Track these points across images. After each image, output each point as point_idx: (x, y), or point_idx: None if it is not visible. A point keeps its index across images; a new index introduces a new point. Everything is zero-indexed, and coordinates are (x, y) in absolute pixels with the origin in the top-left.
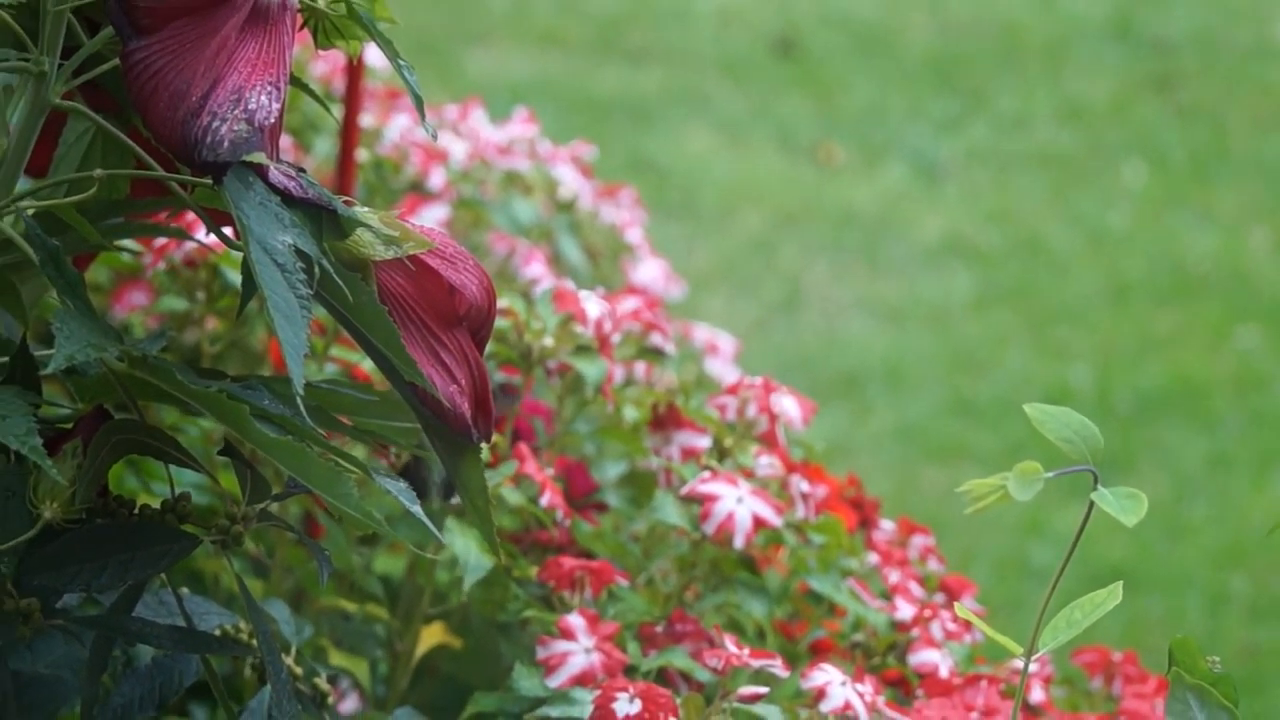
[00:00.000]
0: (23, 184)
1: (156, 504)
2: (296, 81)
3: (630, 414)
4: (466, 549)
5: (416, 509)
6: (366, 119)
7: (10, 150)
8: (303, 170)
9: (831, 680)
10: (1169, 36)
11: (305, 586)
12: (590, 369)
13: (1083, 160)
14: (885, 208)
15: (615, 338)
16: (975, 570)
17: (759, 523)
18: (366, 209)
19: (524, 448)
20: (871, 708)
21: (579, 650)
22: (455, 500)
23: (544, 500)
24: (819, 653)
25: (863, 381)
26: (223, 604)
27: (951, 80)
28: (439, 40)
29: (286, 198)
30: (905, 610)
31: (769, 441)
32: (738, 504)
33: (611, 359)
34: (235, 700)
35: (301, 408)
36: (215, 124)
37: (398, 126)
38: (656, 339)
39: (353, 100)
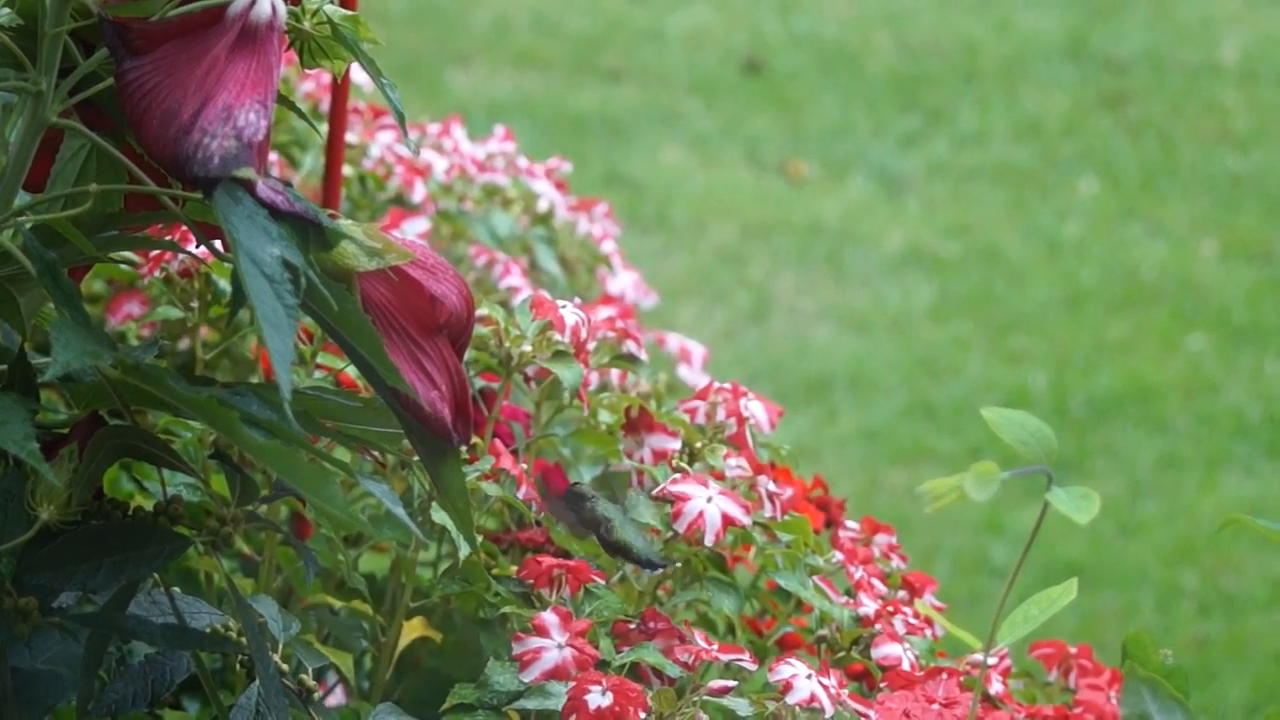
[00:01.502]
0: (21, 198)
1: (150, 506)
2: (284, 100)
3: (605, 418)
4: (456, 531)
5: (399, 510)
6: (352, 136)
7: (9, 166)
8: (289, 184)
9: (798, 673)
10: (1121, 57)
11: (293, 584)
12: (566, 374)
13: (1038, 174)
14: (850, 220)
15: (590, 345)
16: (936, 567)
17: (728, 522)
18: (351, 222)
19: (499, 445)
20: (836, 700)
21: (552, 646)
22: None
23: (521, 493)
24: (786, 647)
25: (828, 387)
26: (214, 603)
27: (913, 98)
28: (423, 61)
29: (274, 211)
30: (869, 606)
31: (738, 444)
32: (708, 504)
33: (587, 365)
34: (228, 695)
35: (289, 413)
36: (205, 140)
37: (381, 143)
38: (630, 346)
39: (338, 118)
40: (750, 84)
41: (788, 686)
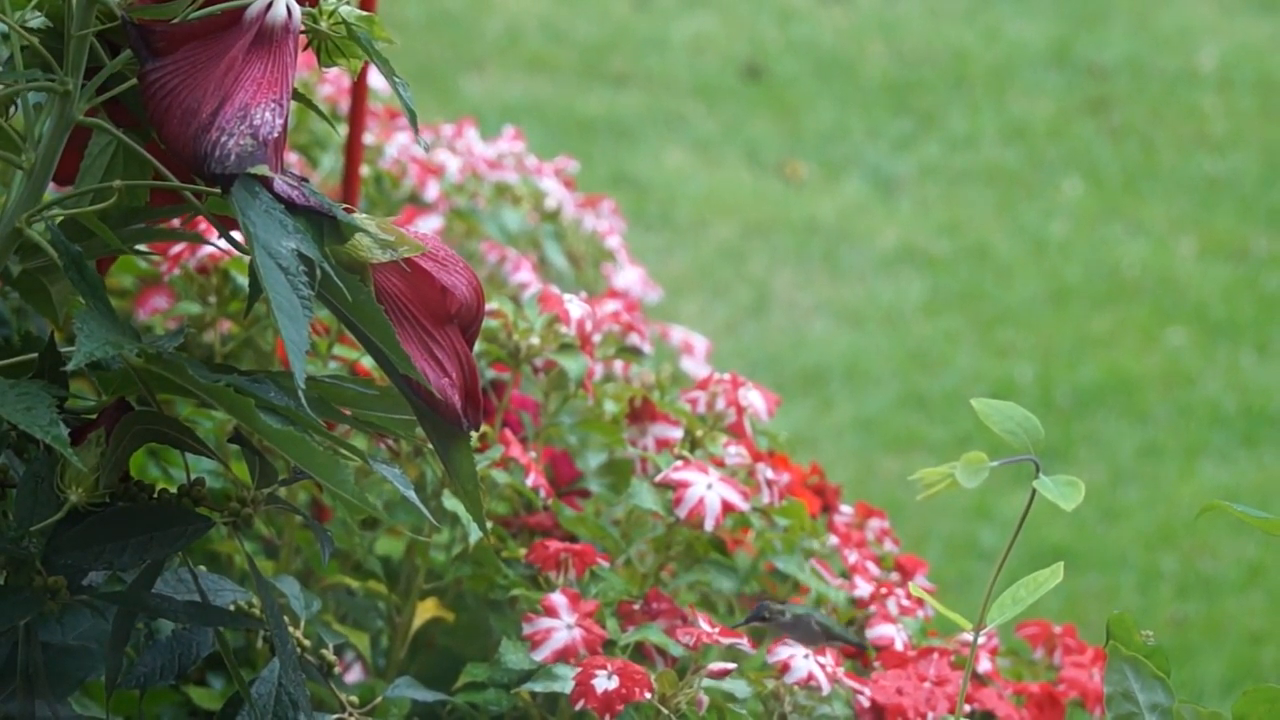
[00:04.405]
0: (50, 194)
1: (174, 489)
2: (305, 101)
3: (610, 407)
4: (467, 516)
5: (412, 495)
6: (369, 137)
7: (38, 163)
8: (305, 180)
9: (795, 653)
10: (1104, 63)
11: (312, 565)
12: (573, 366)
13: (1025, 176)
14: (845, 219)
15: (596, 337)
16: (928, 551)
17: (728, 507)
18: (365, 215)
19: (508, 433)
20: (832, 678)
21: (561, 626)
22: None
23: (529, 480)
24: None
25: (824, 378)
26: (236, 582)
27: (906, 103)
28: (439, 67)
29: (290, 205)
30: (863, 588)
31: (737, 433)
32: (708, 490)
33: (592, 357)
34: (250, 670)
35: (303, 400)
36: (223, 139)
37: (397, 144)
38: (634, 339)
39: (357, 119)
40: (750, 89)
41: (786, 666)
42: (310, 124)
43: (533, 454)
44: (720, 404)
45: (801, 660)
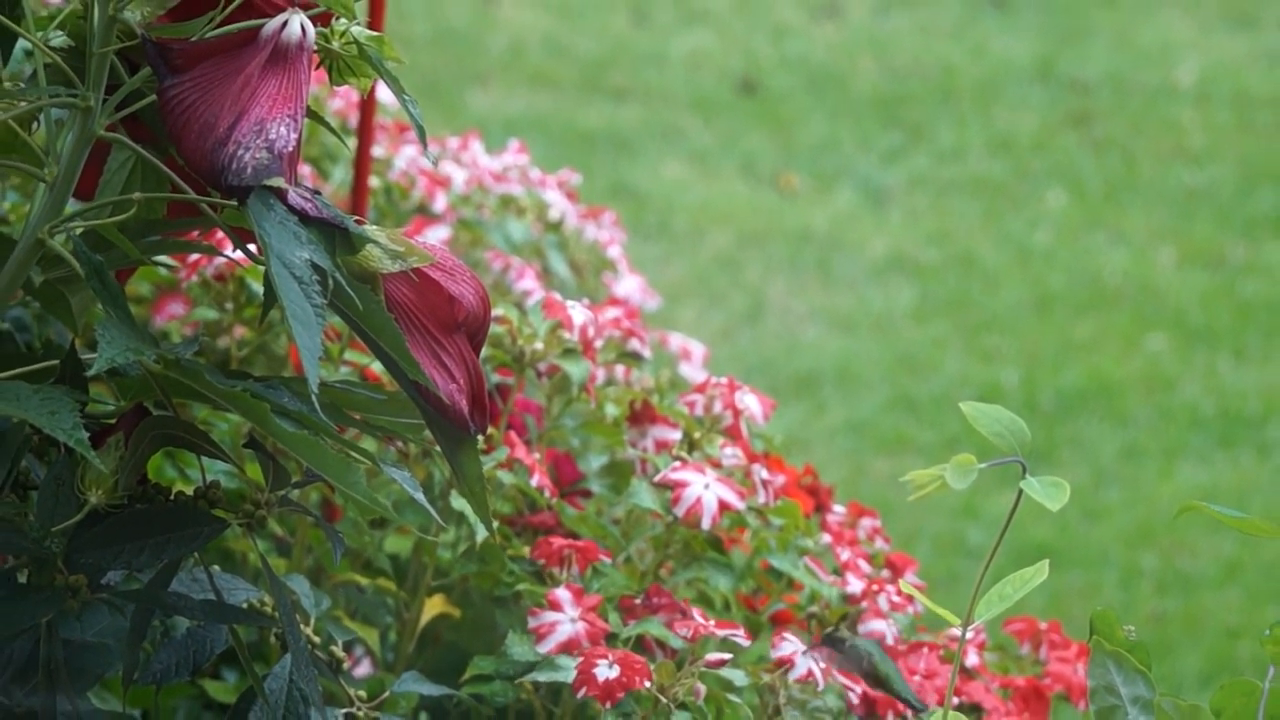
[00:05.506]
0: (71, 206)
1: (190, 491)
2: (315, 116)
3: (611, 410)
4: (474, 515)
5: (420, 496)
6: (378, 150)
7: (60, 176)
8: (318, 193)
9: (796, 650)
10: (1086, 78)
11: (323, 564)
12: (576, 370)
13: (1010, 187)
14: (837, 229)
15: (598, 343)
16: (917, 549)
17: (724, 507)
18: (375, 227)
19: (513, 435)
20: (827, 674)
21: (566, 620)
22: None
23: (533, 481)
24: (779, 623)
25: (817, 382)
26: (250, 580)
27: (895, 116)
28: (443, 81)
29: (304, 217)
30: (855, 585)
31: (733, 435)
32: (705, 490)
33: (594, 362)
34: (262, 665)
35: (316, 404)
36: (240, 152)
37: (405, 156)
38: (634, 344)
39: (366, 133)
40: (745, 103)
41: (789, 663)
42: (321, 137)
43: (536, 455)
44: (717, 407)
45: (802, 658)
